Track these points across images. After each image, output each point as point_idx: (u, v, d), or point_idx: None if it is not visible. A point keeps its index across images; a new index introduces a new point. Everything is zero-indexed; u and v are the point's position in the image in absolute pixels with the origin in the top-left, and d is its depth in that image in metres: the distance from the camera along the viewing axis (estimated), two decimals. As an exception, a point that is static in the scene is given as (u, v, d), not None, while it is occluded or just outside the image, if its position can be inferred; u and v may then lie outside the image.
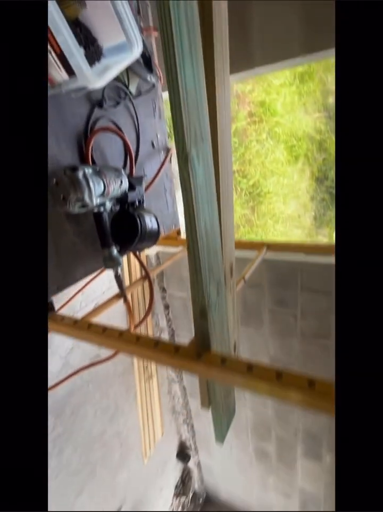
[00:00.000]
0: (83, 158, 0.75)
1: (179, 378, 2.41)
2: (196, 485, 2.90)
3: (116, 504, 1.95)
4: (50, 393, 1.43)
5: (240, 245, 1.19)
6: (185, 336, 2.22)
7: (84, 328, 0.70)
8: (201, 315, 0.56)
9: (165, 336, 2.26)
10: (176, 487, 2.73)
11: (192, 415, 2.60)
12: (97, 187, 0.66)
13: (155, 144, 1.03)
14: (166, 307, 2.17)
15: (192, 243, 0.49)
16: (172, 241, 1.27)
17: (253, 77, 1.99)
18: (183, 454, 2.69)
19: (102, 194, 0.69)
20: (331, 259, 1.50)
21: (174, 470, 2.66)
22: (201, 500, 2.94)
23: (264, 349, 1.88)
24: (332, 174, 3.79)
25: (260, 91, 4.13)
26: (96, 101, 0.78)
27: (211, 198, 0.52)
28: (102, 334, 0.68)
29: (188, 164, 0.45)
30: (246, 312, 1.85)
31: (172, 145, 0.93)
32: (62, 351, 1.47)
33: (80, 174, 0.63)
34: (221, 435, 0.81)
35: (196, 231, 0.47)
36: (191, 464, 2.79)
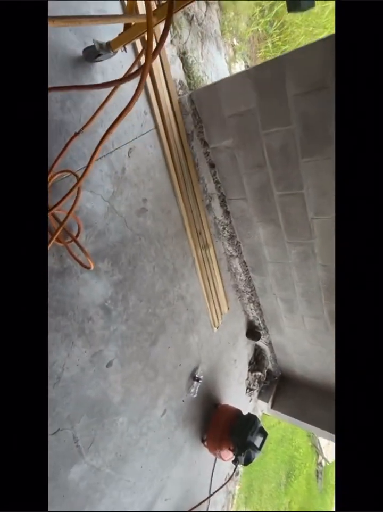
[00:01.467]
0: None
1: (238, 252, 2.26)
2: (269, 364, 2.94)
3: (193, 363, 2.01)
4: (100, 237, 1.37)
5: None
6: (237, 199, 1.99)
7: None
8: None
9: (216, 204, 2.06)
10: (250, 363, 2.79)
11: (257, 293, 2.50)
12: None
13: None
14: (212, 165, 1.93)
15: None
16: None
17: None
18: (252, 332, 2.67)
19: None
20: None
21: (245, 348, 2.69)
22: (276, 377, 2.99)
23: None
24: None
25: None
26: None
27: None
28: None
29: None
30: (307, 134, 1.51)
31: None
32: (103, 193, 1.37)
33: None
34: (293, 4, 0.57)
35: None
36: (262, 343, 2.79)
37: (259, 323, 2.66)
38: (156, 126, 1.63)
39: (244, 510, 4.08)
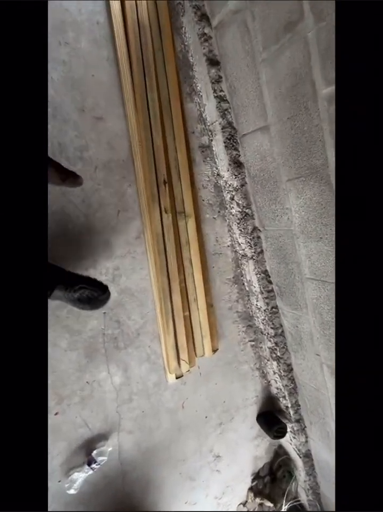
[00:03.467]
0: None
1: (255, 249, 1.19)
2: (300, 494, 1.52)
3: (95, 422, 1.03)
4: None
5: None
6: (254, 131, 1.00)
7: None
8: None
9: (219, 146, 1.12)
10: (257, 477, 1.48)
11: (287, 343, 1.29)
12: None
13: None
14: (213, 62, 1.03)
15: None
16: None
17: None
18: (271, 418, 1.41)
19: None
20: None
21: (252, 442, 1.44)
22: (312, 529, 1.52)
23: None
24: None
25: None
26: None
27: None
28: None
29: None
30: None
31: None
32: None
33: None
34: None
35: None
36: (292, 447, 1.46)
37: (287, 406, 1.39)
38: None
39: None
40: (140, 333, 1.09)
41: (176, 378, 1.18)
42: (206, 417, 1.28)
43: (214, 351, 1.24)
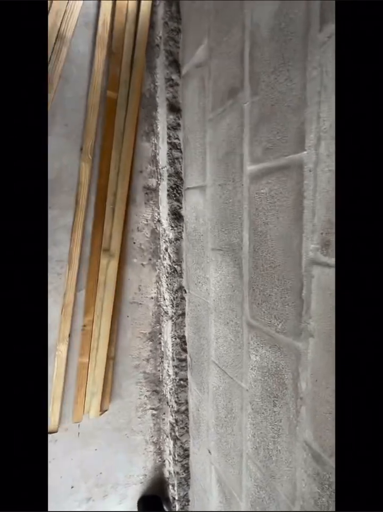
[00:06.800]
0: None
1: (176, 311, 1.07)
2: None
3: None
4: None
5: None
6: (195, 188, 0.93)
7: None
8: None
9: (163, 192, 1.05)
10: None
11: (189, 426, 1.12)
12: None
13: None
14: (174, 109, 0.98)
15: None
16: None
17: None
18: (154, 506, 1.20)
19: None
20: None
21: (124, 529, 1.21)
22: None
23: None
24: None
25: None
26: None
27: None
28: None
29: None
30: None
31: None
32: None
33: None
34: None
35: None
36: None
37: (174, 497, 1.18)
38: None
39: None
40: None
41: (49, 432, 1.00)
42: (72, 487, 1.08)
43: (103, 411, 1.08)
